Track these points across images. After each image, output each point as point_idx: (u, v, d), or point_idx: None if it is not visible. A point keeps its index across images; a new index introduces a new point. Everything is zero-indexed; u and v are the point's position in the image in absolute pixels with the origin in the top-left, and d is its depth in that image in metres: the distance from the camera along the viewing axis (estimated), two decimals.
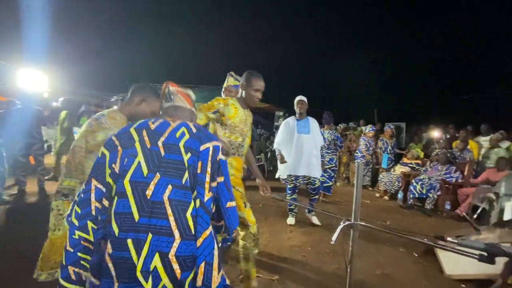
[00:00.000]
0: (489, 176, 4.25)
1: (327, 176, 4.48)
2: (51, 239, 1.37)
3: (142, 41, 15.19)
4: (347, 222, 0.94)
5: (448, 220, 4.07)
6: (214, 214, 1.04)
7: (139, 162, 0.93)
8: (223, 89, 2.60)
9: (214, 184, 0.99)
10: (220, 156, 1.02)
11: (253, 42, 16.29)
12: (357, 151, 5.94)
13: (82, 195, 0.95)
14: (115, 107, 1.43)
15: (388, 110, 10.95)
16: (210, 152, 0.99)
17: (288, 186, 3.43)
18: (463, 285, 2.28)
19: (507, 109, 8.50)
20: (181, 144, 0.97)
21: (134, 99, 1.46)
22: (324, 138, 4.59)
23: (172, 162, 0.94)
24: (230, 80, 2.57)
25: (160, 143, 0.96)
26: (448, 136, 5.98)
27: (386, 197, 5.25)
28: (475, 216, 3.40)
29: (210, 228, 0.95)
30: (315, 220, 3.51)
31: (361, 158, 5.74)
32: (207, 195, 0.96)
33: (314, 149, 3.33)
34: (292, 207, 3.55)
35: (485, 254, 0.67)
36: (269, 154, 7.50)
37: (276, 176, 3.52)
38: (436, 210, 4.39)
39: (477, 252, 0.70)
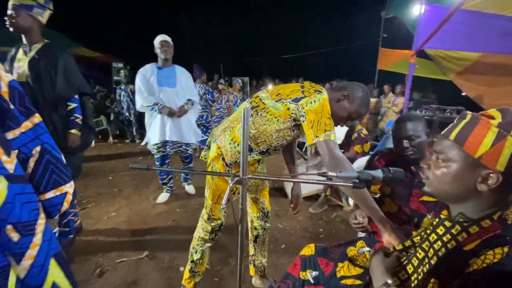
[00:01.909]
0: None
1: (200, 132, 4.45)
2: None
3: None
4: (236, 179, 0.81)
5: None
6: None
7: None
8: (8, 14, 1.60)
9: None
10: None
11: None
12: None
13: None
14: None
15: (232, 65, 11.73)
16: None
17: (156, 156, 2.70)
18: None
19: (320, 66, 11.46)
20: None
21: None
22: None
23: None
24: None
25: None
26: None
27: None
28: (303, 149, 4.44)
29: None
30: (189, 189, 3.07)
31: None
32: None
33: None
34: (165, 180, 2.89)
35: (357, 180, 0.74)
36: (112, 115, 6.20)
37: (143, 143, 2.75)
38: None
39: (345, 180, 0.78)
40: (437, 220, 0.76)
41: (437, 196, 0.70)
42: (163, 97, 2.52)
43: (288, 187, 3.11)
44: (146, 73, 2.49)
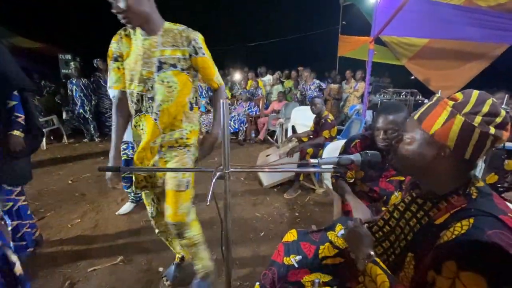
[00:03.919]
0: (274, 106, 5.66)
1: None
2: None
3: None
4: (218, 173, 0.79)
5: (256, 145, 5.16)
6: None
7: None
8: None
9: None
10: None
11: None
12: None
13: None
14: None
15: None
16: None
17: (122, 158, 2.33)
18: (275, 189, 3.05)
19: (284, 54, 11.50)
20: None
21: None
22: None
23: None
24: None
25: None
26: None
27: None
28: (274, 137, 4.50)
29: None
30: (123, 208, 2.52)
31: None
32: None
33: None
34: (128, 189, 2.49)
35: (337, 166, 0.76)
36: (64, 113, 5.62)
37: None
38: (246, 139, 5.41)
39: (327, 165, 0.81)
40: (409, 198, 0.82)
41: (403, 169, 0.77)
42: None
43: (263, 175, 3.15)
44: None
